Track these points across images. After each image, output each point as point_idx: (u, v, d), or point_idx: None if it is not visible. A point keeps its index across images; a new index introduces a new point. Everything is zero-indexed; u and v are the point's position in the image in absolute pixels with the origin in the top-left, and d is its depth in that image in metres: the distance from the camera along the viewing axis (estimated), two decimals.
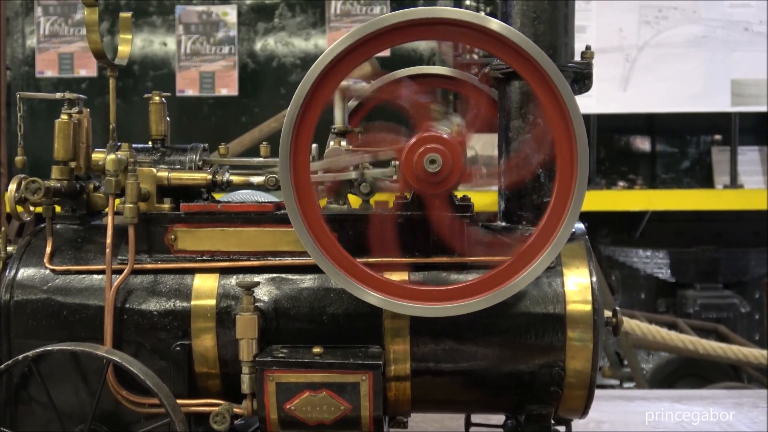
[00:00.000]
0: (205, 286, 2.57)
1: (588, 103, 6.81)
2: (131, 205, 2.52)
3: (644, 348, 6.72)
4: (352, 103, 3.01)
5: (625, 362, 6.66)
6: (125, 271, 2.54)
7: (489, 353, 2.54)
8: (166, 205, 2.65)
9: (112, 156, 2.57)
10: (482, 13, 2.32)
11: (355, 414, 2.42)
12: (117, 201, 2.59)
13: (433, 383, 2.57)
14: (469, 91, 3.01)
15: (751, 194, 7.17)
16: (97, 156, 2.73)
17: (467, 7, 7.25)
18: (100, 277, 2.59)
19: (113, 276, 2.54)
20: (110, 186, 2.56)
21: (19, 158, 2.72)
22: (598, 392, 2.64)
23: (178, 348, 2.54)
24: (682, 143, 7.83)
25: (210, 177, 2.69)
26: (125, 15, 2.87)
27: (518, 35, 2.26)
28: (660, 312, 7.36)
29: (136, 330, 2.56)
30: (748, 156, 7.52)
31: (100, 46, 2.66)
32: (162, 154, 2.75)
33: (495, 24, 2.26)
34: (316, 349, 2.44)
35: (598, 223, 7.39)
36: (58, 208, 2.73)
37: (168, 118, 2.85)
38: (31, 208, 2.71)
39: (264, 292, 2.55)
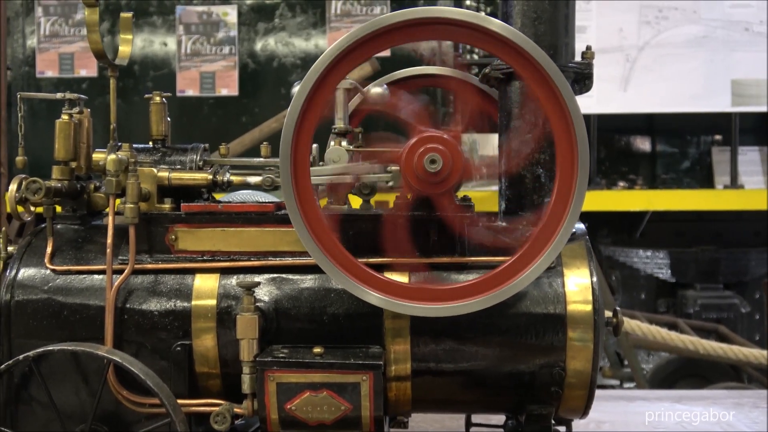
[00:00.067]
0: (206, 286, 2.57)
1: (588, 104, 6.81)
2: (132, 205, 2.52)
3: (644, 348, 6.72)
4: (352, 103, 3.02)
5: (626, 362, 6.67)
6: (126, 271, 2.54)
7: (489, 353, 2.54)
8: (167, 206, 2.65)
9: (112, 156, 2.57)
10: (483, 13, 2.32)
11: (355, 414, 2.42)
12: (117, 201, 2.59)
13: (433, 383, 2.57)
14: (467, 91, 3.01)
15: (752, 194, 7.17)
16: (98, 156, 2.73)
17: (467, 7, 7.25)
18: (100, 277, 2.59)
19: (114, 276, 2.54)
20: (111, 186, 2.56)
21: (19, 158, 2.72)
22: (598, 392, 2.64)
23: (178, 348, 2.54)
24: (683, 143, 7.83)
25: (210, 177, 2.69)
26: (126, 15, 2.87)
27: (519, 35, 2.26)
28: (660, 312, 7.36)
29: (136, 330, 2.56)
30: (749, 156, 7.52)
31: (101, 46, 2.66)
32: (163, 155, 2.75)
33: (496, 24, 2.26)
34: (317, 349, 2.45)
35: (599, 223, 7.39)
36: (58, 209, 2.73)
37: (168, 119, 2.85)
38: (32, 208, 2.71)
39: (264, 292, 2.55)
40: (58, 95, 2.70)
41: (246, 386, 2.45)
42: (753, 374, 6.50)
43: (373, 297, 2.34)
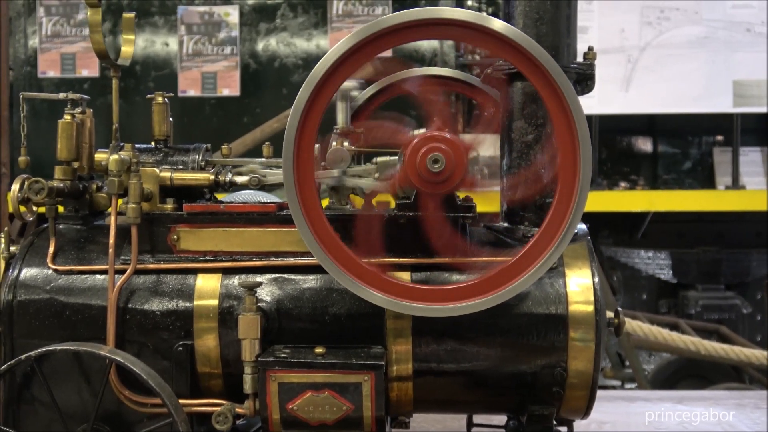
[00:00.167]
0: (208, 287, 2.58)
1: (590, 104, 6.80)
2: (134, 206, 2.52)
3: (646, 349, 6.72)
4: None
5: (627, 363, 6.66)
6: (128, 271, 2.55)
7: (491, 353, 2.54)
8: (169, 206, 2.65)
9: (115, 156, 2.57)
10: (484, 14, 2.32)
11: (357, 414, 2.42)
12: (120, 201, 2.59)
13: (435, 384, 2.57)
14: (470, 93, 3.02)
15: (753, 195, 7.16)
16: (100, 156, 2.73)
17: (469, 8, 7.25)
18: (102, 277, 2.59)
19: (116, 276, 2.55)
20: (113, 186, 2.56)
21: (22, 158, 2.72)
22: (599, 393, 2.64)
23: (180, 348, 2.54)
24: (684, 144, 7.82)
25: (213, 177, 2.69)
26: (128, 15, 2.87)
27: (521, 36, 2.26)
28: (662, 313, 7.35)
29: (138, 330, 2.56)
30: (750, 157, 7.51)
31: (103, 46, 2.66)
32: (165, 155, 2.75)
33: (498, 24, 2.26)
34: (319, 350, 2.45)
35: (600, 223, 7.38)
36: (61, 209, 2.73)
37: (171, 119, 2.86)
38: (34, 208, 2.72)
39: (266, 293, 2.55)
40: (61, 95, 2.71)
41: (248, 386, 2.45)
42: (754, 375, 6.50)
43: (376, 297, 2.34)
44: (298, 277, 2.58)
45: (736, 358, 5.85)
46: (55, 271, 2.62)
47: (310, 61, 7.29)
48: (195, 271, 2.60)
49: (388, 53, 2.52)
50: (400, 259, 2.53)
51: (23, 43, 7.59)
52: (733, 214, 7.25)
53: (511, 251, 2.42)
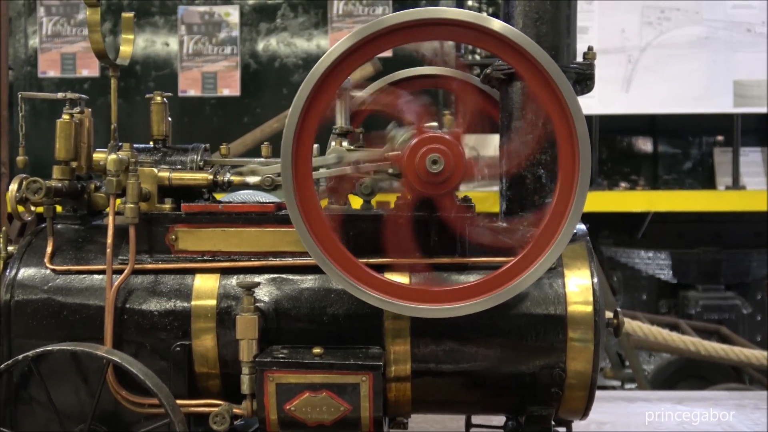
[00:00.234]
0: (206, 287, 2.57)
1: (590, 104, 6.80)
2: (132, 205, 2.52)
3: (646, 349, 6.71)
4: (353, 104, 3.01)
5: (627, 363, 6.66)
6: (126, 271, 2.54)
7: (490, 354, 2.54)
8: (167, 206, 2.64)
9: (113, 156, 2.57)
10: (484, 14, 2.32)
11: (355, 415, 2.41)
12: (118, 201, 2.59)
13: (433, 384, 2.56)
14: (468, 92, 3.01)
15: (753, 195, 7.16)
16: (99, 156, 2.73)
17: (469, 8, 7.25)
18: (100, 277, 2.59)
19: (114, 276, 2.54)
20: (111, 186, 2.56)
21: (20, 158, 2.71)
22: (598, 393, 2.63)
23: (178, 348, 2.54)
24: (684, 144, 7.82)
25: (211, 177, 2.68)
26: (127, 15, 2.87)
27: (520, 36, 2.26)
28: (662, 313, 7.35)
29: (136, 330, 2.55)
30: (750, 157, 7.51)
31: (102, 46, 2.66)
32: (163, 155, 2.75)
33: (497, 24, 2.26)
34: (317, 350, 2.44)
35: (600, 223, 7.38)
36: (59, 208, 2.73)
37: (170, 118, 2.85)
38: (33, 208, 2.71)
39: (264, 293, 2.55)
40: (59, 95, 2.70)
41: (245, 387, 2.45)
42: (754, 375, 6.50)
43: (373, 298, 2.34)
44: (297, 277, 2.57)
45: (736, 359, 5.84)
46: (53, 271, 2.61)
47: (310, 61, 7.28)
48: (193, 271, 2.59)
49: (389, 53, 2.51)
50: (399, 260, 2.52)
51: (23, 42, 7.59)
52: (733, 215, 7.25)
53: (510, 252, 2.42)
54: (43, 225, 2.71)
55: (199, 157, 2.74)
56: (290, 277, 2.57)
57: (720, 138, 7.73)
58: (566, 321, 2.50)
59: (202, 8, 7.54)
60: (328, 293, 2.54)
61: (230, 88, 7.52)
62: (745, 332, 7.12)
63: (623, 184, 7.67)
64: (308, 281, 2.56)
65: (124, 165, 2.56)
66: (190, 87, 7.52)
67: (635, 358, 6.48)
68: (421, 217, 2.49)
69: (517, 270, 2.33)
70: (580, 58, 2.73)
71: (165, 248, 2.60)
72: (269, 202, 2.71)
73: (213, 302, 2.56)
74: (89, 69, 7.50)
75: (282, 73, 7.50)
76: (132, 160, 2.57)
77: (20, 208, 2.66)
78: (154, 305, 2.56)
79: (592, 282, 2.54)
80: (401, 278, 2.49)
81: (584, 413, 2.62)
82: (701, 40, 7.25)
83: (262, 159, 2.79)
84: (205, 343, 2.55)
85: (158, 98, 2.82)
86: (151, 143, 2.80)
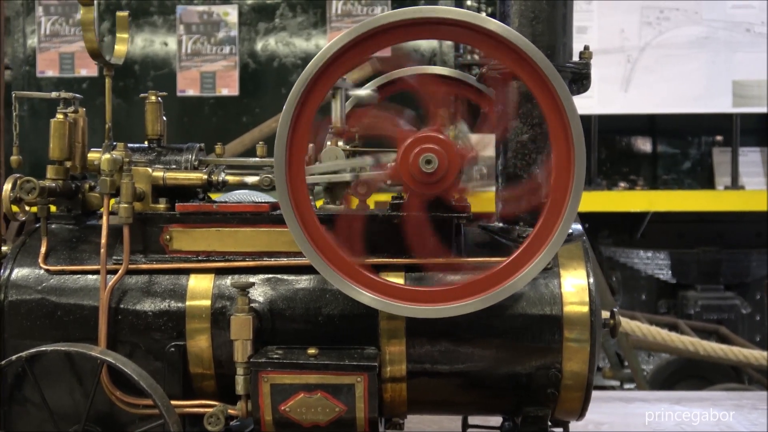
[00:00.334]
0: (200, 287, 2.56)
1: (589, 104, 6.79)
2: (126, 205, 2.51)
3: (645, 349, 6.70)
4: (350, 104, 3.00)
5: (626, 363, 6.65)
6: (120, 271, 2.53)
7: (486, 355, 2.53)
8: (162, 205, 2.63)
9: (107, 155, 2.56)
10: (483, 14, 2.31)
11: (350, 416, 2.41)
12: (112, 201, 2.58)
13: (429, 385, 2.56)
14: (468, 93, 3.00)
15: (753, 195, 7.15)
16: (93, 155, 2.72)
17: (468, 8, 7.24)
18: (94, 277, 2.58)
19: (108, 276, 2.53)
20: (105, 186, 2.55)
21: (14, 158, 2.70)
22: (596, 393, 2.63)
23: (172, 349, 2.53)
24: (684, 144, 7.81)
25: (205, 177, 2.67)
26: (122, 14, 2.86)
27: (516, 35, 2.25)
28: (661, 313, 7.34)
29: (130, 330, 2.55)
30: (750, 157, 7.50)
31: (96, 45, 2.65)
32: (158, 154, 2.74)
33: (492, 24, 2.25)
34: (311, 351, 2.43)
35: (599, 223, 7.37)
36: (53, 208, 2.72)
37: (164, 118, 2.84)
38: (27, 208, 2.70)
39: (259, 293, 2.54)
40: (53, 94, 2.70)
41: (240, 387, 2.44)
42: (754, 375, 6.49)
43: (367, 298, 2.33)
44: (292, 277, 2.56)
45: (736, 359, 5.83)
46: (47, 271, 2.60)
47: (309, 60, 7.23)
48: (187, 272, 2.59)
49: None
50: (394, 260, 2.51)
51: (22, 42, 7.57)
52: (733, 215, 7.24)
53: (505, 251, 2.41)
54: (38, 225, 2.70)
55: (193, 157, 2.73)
56: (285, 277, 2.56)
57: (719, 138, 7.72)
58: (562, 321, 2.50)
59: (200, 8, 7.53)
60: (324, 293, 2.53)
61: (229, 87, 7.50)
62: (744, 332, 7.11)
63: (622, 184, 7.66)
64: (303, 281, 2.55)
65: (118, 164, 2.54)
66: (188, 87, 7.50)
67: (634, 358, 6.46)
68: (416, 216, 2.47)
69: (512, 270, 2.32)
70: (576, 58, 2.73)
71: (159, 248, 2.59)
72: (264, 202, 2.71)
73: (207, 302, 2.55)
74: (88, 69, 7.48)
75: (281, 72, 7.48)
76: (126, 159, 2.56)
77: (14, 208, 2.65)
78: (148, 305, 2.56)
79: (588, 282, 2.53)
80: (395, 278, 2.48)
81: (581, 414, 2.61)
82: (700, 40, 7.24)
83: (256, 159, 2.78)
84: (200, 343, 2.54)
85: (153, 98, 2.81)
86: (146, 143, 2.79)
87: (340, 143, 2.63)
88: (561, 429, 2.74)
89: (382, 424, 2.71)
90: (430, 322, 2.38)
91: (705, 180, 7.69)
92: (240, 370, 2.43)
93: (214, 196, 2.92)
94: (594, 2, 7.21)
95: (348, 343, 2.51)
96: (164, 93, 2.86)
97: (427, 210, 2.46)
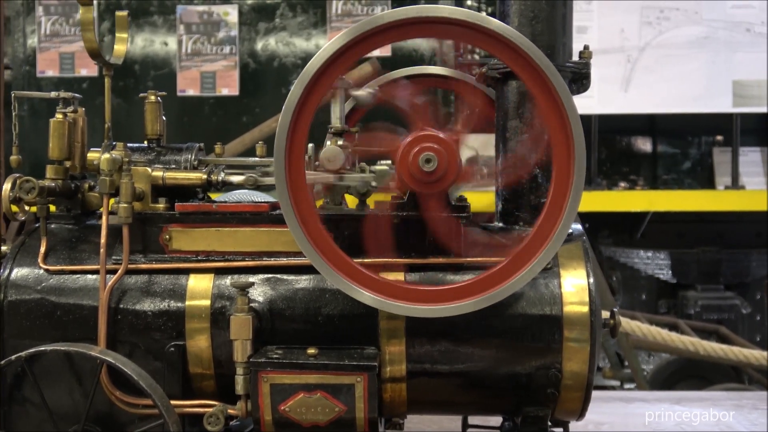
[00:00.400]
0: (200, 287, 2.56)
1: (589, 104, 6.80)
2: (125, 205, 2.51)
3: (645, 349, 6.69)
4: (350, 103, 3.00)
5: (626, 363, 6.65)
6: (119, 271, 2.53)
7: (486, 355, 2.53)
8: (161, 205, 2.63)
9: (106, 155, 2.55)
10: (483, 13, 2.31)
11: (350, 416, 2.40)
12: (112, 200, 2.58)
13: (429, 385, 2.55)
14: (467, 92, 3.00)
15: (753, 195, 7.15)
16: (93, 155, 2.72)
17: (468, 7, 7.24)
18: (94, 277, 2.58)
19: (107, 276, 2.53)
20: (104, 185, 2.55)
21: (13, 157, 2.69)
22: (596, 393, 2.62)
23: (172, 348, 2.52)
24: (684, 144, 7.81)
25: (205, 177, 2.67)
26: (121, 14, 2.86)
27: (515, 34, 2.25)
28: (661, 313, 7.34)
29: (130, 330, 2.54)
30: (750, 157, 7.50)
31: (95, 44, 2.64)
32: (157, 154, 2.73)
33: (492, 23, 2.25)
34: (311, 350, 2.43)
35: (600, 223, 7.37)
36: (52, 208, 2.71)
37: (164, 118, 2.84)
38: (26, 208, 2.70)
39: (259, 293, 2.53)
40: (53, 94, 2.69)
41: (240, 387, 2.44)
42: (754, 375, 6.48)
43: (367, 297, 2.33)
44: (291, 277, 2.56)
45: (736, 359, 5.83)
46: (47, 271, 2.60)
47: (309, 60, 7.26)
48: (187, 271, 2.58)
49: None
50: (394, 260, 2.51)
51: (22, 42, 7.58)
52: (733, 214, 7.24)
53: (505, 251, 2.41)
54: (38, 225, 2.70)
55: (193, 157, 2.73)
56: (285, 277, 2.56)
57: (719, 138, 7.71)
58: (562, 321, 2.49)
59: (200, 8, 7.53)
60: (323, 293, 2.53)
61: (229, 87, 7.50)
62: (744, 332, 7.11)
63: (622, 184, 7.66)
64: (303, 281, 2.55)
65: (118, 164, 2.54)
66: (188, 86, 7.50)
67: (634, 358, 6.46)
68: (416, 216, 2.47)
69: (512, 270, 2.32)
70: (576, 58, 2.72)
71: (159, 248, 2.59)
72: (264, 202, 2.70)
73: (207, 302, 2.54)
74: (88, 68, 7.48)
75: (281, 72, 7.49)
76: (125, 159, 2.55)
77: (14, 208, 2.65)
78: (148, 305, 2.55)
79: (588, 282, 2.53)
80: (396, 278, 2.47)
81: (581, 414, 2.61)
82: (700, 40, 7.24)
83: (256, 159, 2.78)
84: (200, 343, 2.54)
85: (152, 97, 2.81)
86: (145, 142, 2.79)
87: (340, 143, 2.63)
88: (561, 429, 2.74)
89: (382, 424, 2.70)
90: (430, 321, 2.38)
91: (705, 180, 7.69)
92: (240, 370, 2.43)
93: (214, 196, 2.92)
94: (594, 2, 7.21)
95: (348, 343, 2.50)
96: (164, 93, 2.85)
97: (427, 209, 2.45)
